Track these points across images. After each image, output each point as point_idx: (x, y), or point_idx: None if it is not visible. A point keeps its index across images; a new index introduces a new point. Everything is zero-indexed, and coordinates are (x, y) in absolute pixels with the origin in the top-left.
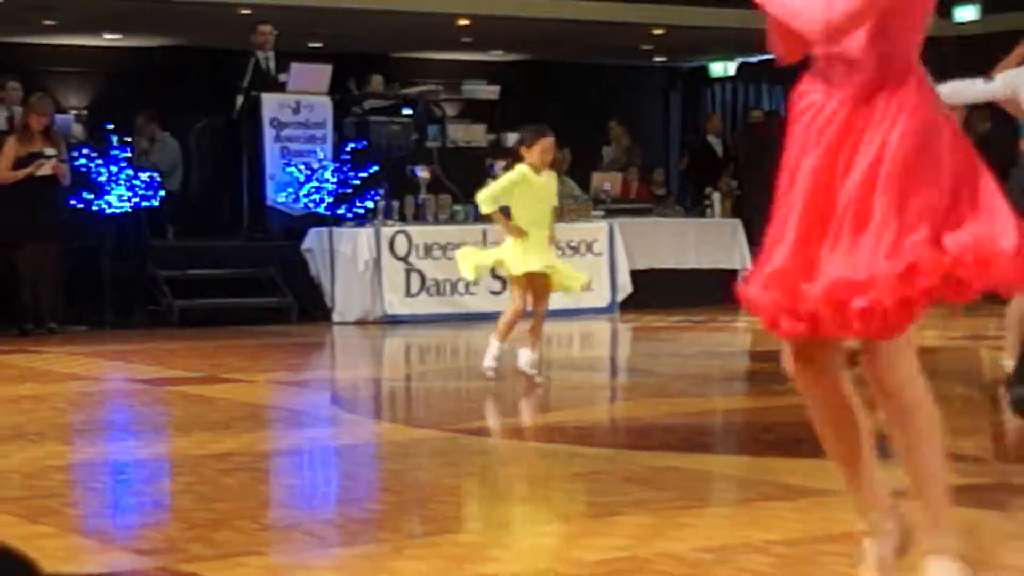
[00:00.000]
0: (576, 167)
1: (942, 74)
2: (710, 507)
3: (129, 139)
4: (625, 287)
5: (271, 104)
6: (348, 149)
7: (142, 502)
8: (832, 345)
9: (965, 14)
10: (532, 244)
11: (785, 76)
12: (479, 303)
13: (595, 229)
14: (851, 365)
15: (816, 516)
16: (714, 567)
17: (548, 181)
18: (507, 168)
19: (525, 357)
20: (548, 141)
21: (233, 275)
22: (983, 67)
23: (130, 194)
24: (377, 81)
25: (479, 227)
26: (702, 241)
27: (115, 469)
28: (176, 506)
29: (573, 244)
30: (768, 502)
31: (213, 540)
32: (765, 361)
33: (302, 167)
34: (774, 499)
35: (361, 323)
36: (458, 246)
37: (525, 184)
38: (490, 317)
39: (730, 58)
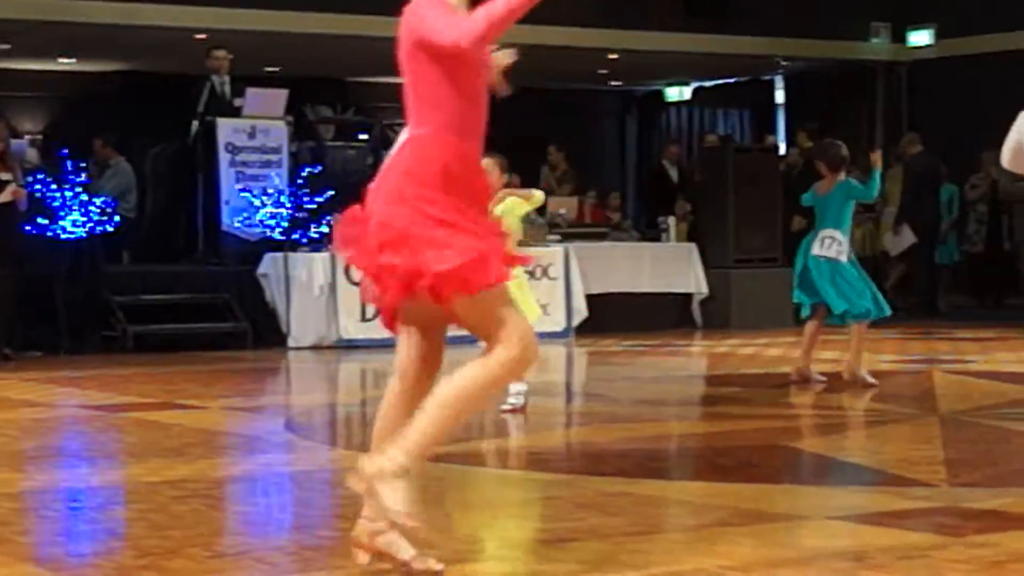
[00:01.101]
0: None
1: (896, 97)
2: (664, 533)
3: (84, 164)
4: (580, 311)
5: (226, 129)
6: (304, 174)
7: (95, 530)
8: None
9: (919, 38)
10: None
11: (741, 100)
12: None
13: (551, 253)
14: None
15: (770, 541)
16: None
17: (502, 211)
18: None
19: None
20: (485, 163)
21: (188, 300)
22: (937, 91)
23: (85, 219)
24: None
25: None
26: (657, 265)
27: (68, 497)
28: (129, 534)
29: (528, 268)
30: (722, 527)
31: (165, 568)
32: (721, 385)
33: (257, 192)
34: (728, 524)
35: (316, 348)
36: None
37: None
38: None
39: (686, 83)
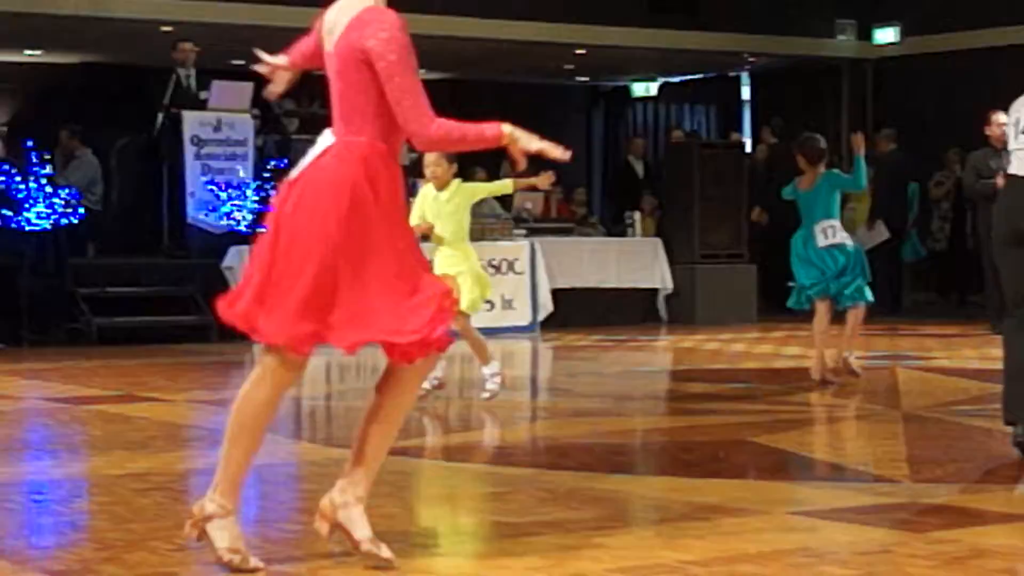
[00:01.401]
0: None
1: (862, 95)
2: (626, 527)
3: (49, 156)
4: (546, 306)
5: (192, 121)
6: (269, 167)
7: (57, 522)
8: None
9: (885, 36)
10: (442, 263)
11: (707, 96)
12: None
13: (516, 248)
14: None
15: (732, 536)
16: None
17: (449, 196)
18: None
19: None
20: (428, 157)
21: (153, 293)
22: (902, 89)
23: (49, 211)
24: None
25: None
26: (623, 260)
27: (31, 489)
28: (91, 527)
29: (495, 263)
30: (685, 522)
31: (127, 561)
32: (685, 381)
33: (223, 185)
34: (691, 519)
35: None
36: None
37: (426, 201)
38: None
39: (652, 78)
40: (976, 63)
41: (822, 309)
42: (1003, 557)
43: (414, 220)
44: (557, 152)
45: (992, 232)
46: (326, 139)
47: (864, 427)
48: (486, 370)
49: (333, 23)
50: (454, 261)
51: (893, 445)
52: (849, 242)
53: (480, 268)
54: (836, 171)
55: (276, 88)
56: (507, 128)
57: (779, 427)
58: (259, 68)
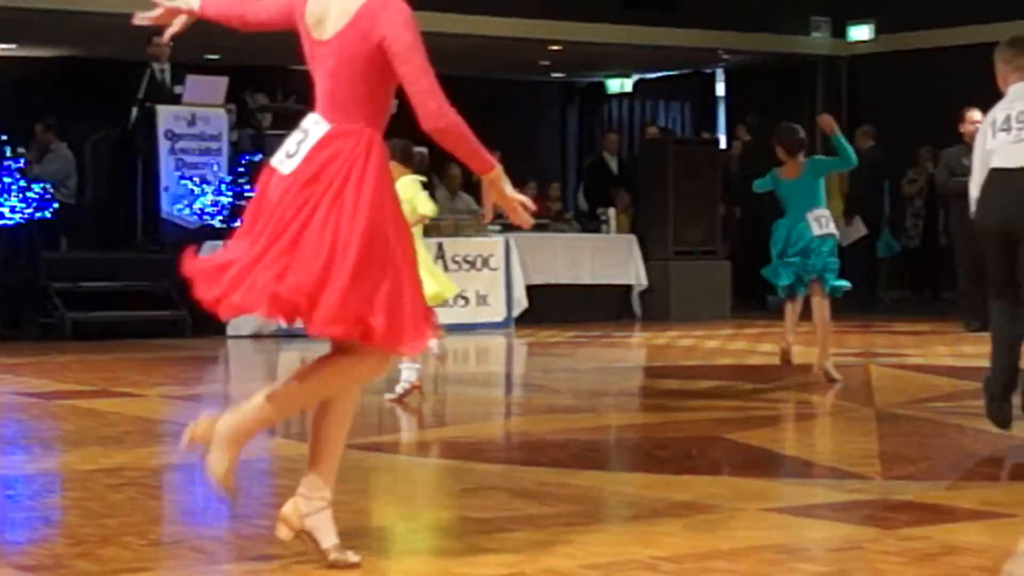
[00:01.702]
0: (471, 182)
1: (837, 92)
2: (599, 523)
3: (23, 150)
4: (521, 302)
5: (166, 116)
6: (244, 162)
7: (29, 518)
8: None
9: (859, 33)
10: None
11: (682, 92)
12: None
13: (491, 244)
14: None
15: (705, 533)
16: None
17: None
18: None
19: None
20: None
21: (127, 288)
22: (876, 86)
23: (23, 205)
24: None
25: None
26: (598, 256)
27: (3, 484)
28: (64, 522)
29: (469, 259)
30: (658, 519)
31: (100, 556)
32: (659, 377)
33: (197, 179)
34: (664, 516)
35: (256, 337)
36: None
37: None
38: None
39: (627, 75)
40: (950, 61)
41: (792, 307)
42: (974, 554)
43: None
44: (524, 216)
45: (976, 225)
46: (316, 125)
47: (837, 424)
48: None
49: (322, 14)
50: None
51: (866, 442)
52: (837, 234)
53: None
54: (820, 156)
55: (171, 29)
56: (498, 168)
57: (752, 424)
58: (147, 15)
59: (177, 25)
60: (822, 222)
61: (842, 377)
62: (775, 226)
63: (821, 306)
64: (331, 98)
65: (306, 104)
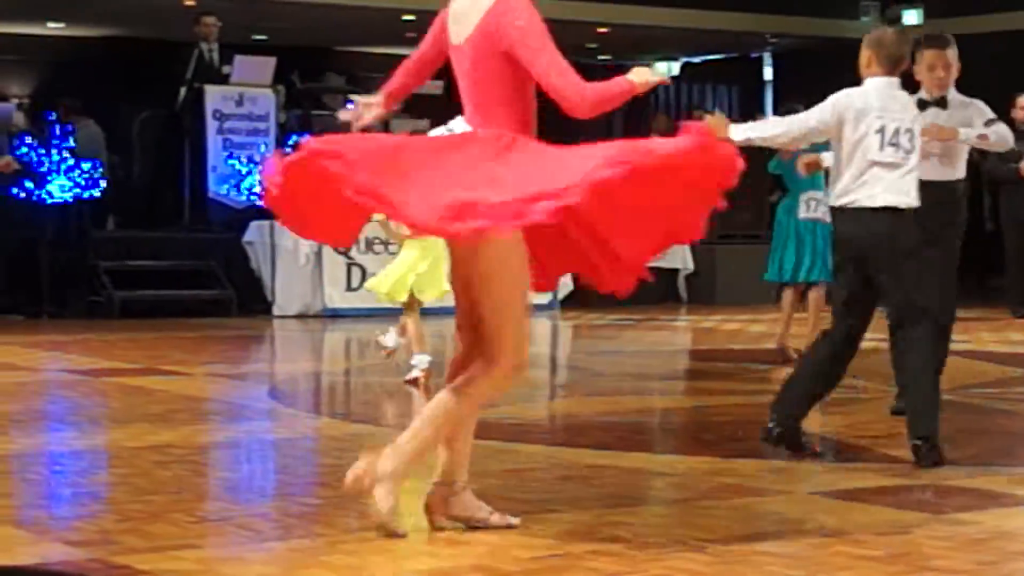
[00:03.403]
0: None
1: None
2: (645, 506)
3: (71, 129)
4: (566, 284)
5: (214, 96)
6: (291, 142)
7: (77, 493)
8: None
9: (908, 18)
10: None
11: (729, 76)
12: None
13: None
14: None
15: (752, 516)
16: (647, 565)
17: None
18: None
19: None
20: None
21: (174, 267)
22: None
23: (71, 184)
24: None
25: None
26: None
27: (51, 460)
28: (111, 498)
29: None
30: (704, 501)
31: (147, 532)
32: (705, 360)
33: (244, 159)
34: (710, 498)
35: (301, 317)
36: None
37: None
38: (428, 312)
39: (675, 58)
40: (999, 46)
41: (791, 295)
42: (1023, 540)
43: None
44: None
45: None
46: (459, 125)
47: (884, 408)
48: (419, 357)
49: (462, 14)
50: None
51: (899, 426)
52: (828, 219)
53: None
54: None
55: (362, 122)
56: (636, 79)
57: None
58: (346, 115)
59: (370, 119)
60: (811, 205)
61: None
62: (777, 209)
63: (816, 292)
64: (470, 101)
65: (352, 84)
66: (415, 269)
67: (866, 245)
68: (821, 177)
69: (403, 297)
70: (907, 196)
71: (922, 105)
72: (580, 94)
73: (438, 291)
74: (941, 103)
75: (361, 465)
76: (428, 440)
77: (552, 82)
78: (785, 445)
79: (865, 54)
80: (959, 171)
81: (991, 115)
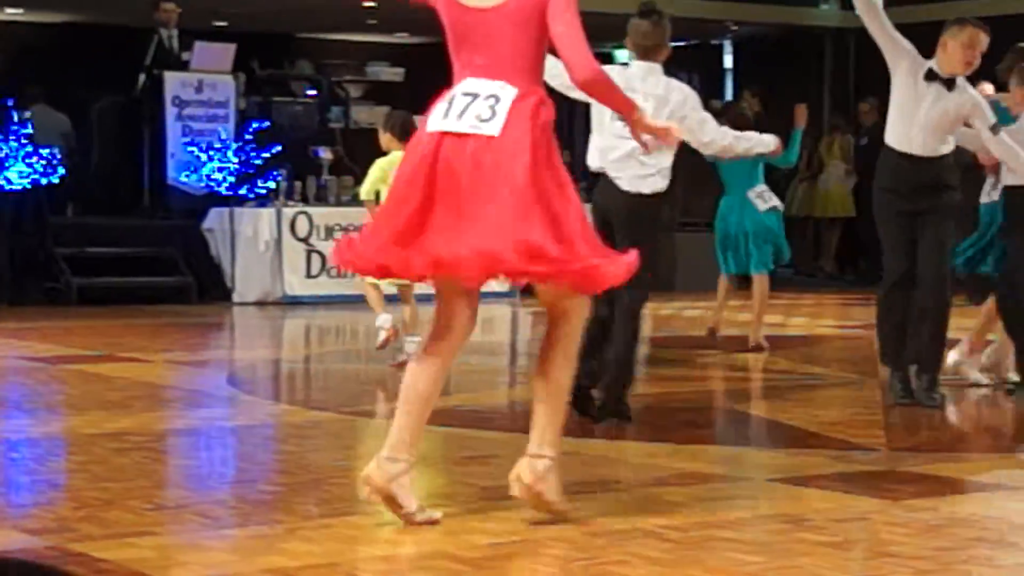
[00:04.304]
0: None
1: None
2: (604, 492)
3: (29, 115)
4: None
5: (173, 82)
6: (251, 129)
7: (34, 481)
8: None
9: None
10: None
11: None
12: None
13: None
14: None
15: (710, 502)
16: (606, 551)
17: None
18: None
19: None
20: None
21: (133, 254)
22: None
23: (29, 170)
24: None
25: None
26: None
27: (7, 447)
28: (68, 485)
29: None
30: (662, 488)
31: (104, 520)
32: (663, 347)
33: (204, 146)
34: (669, 485)
35: (261, 304)
36: (359, 228)
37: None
38: (391, 300)
39: None
40: None
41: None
42: (979, 526)
43: (371, 190)
44: (674, 135)
45: None
46: (503, 89)
47: (842, 395)
48: (410, 339)
49: None
50: None
51: (871, 413)
52: (780, 206)
53: None
54: None
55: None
56: (639, 107)
57: (758, 394)
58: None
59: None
60: (765, 197)
61: (768, 346)
62: (720, 208)
63: (760, 280)
64: (502, 62)
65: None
66: None
67: (611, 215)
68: (761, 173)
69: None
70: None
71: (931, 76)
72: (590, 60)
73: None
74: (950, 83)
75: (526, 475)
76: (561, 408)
77: (575, 40)
78: (578, 409)
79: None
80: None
81: (992, 120)
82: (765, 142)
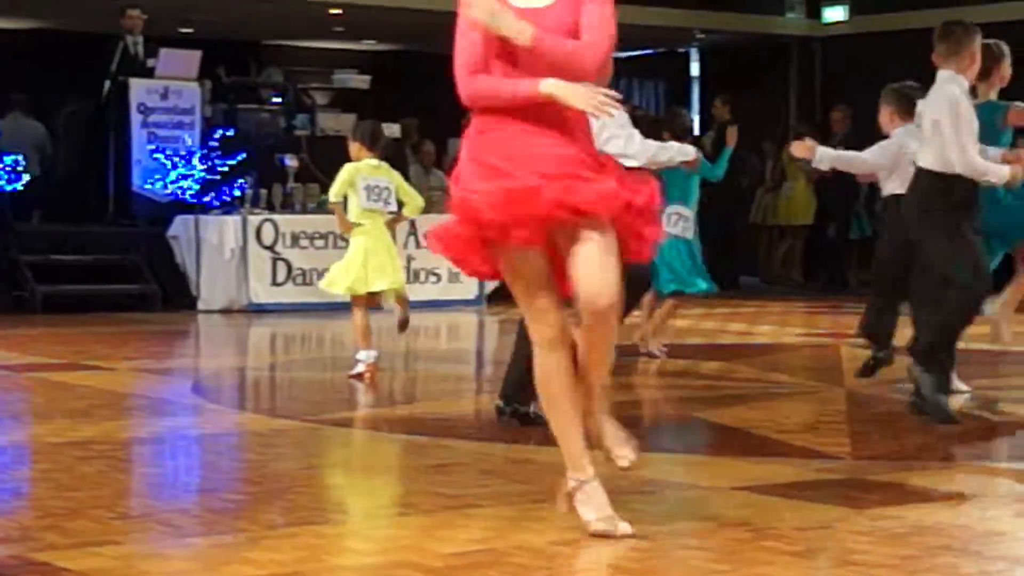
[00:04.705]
0: (446, 159)
1: (811, 73)
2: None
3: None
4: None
5: (139, 89)
6: (216, 136)
7: None
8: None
9: (833, 14)
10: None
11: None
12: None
13: None
14: None
15: (675, 511)
16: (571, 560)
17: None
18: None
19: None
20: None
21: (98, 261)
22: (849, 67)
23: None
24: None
25: None
26: None
27: None
28: (32, 494)
29: None
30: (626, 496)
31: (67, 529)
32: (628, 355)
33: (169, 153)
34: (632, 493)
35: (226, 312)
36: (325, 236)
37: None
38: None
39: None
40: (923, 43)
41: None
42: (944, 534)
43: (339, 192)
44: (605, 112)
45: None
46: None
47: (807, 404)
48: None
49: None
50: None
51: (836, 422)
52: (689, 235)
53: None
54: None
55: None
56: (545, 88)
57: (722, 403)
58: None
59: None
60: (671, 220)
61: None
62: None
63: (670, 304)
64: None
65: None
66: (368, 261)
67: None
68: (695, 189)
69: (364, 291)
70: None
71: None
72: (460, 79)
73: (390, 280)
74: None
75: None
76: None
77: (606, 30)
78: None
79: None
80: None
81: None
82: (685, 151)
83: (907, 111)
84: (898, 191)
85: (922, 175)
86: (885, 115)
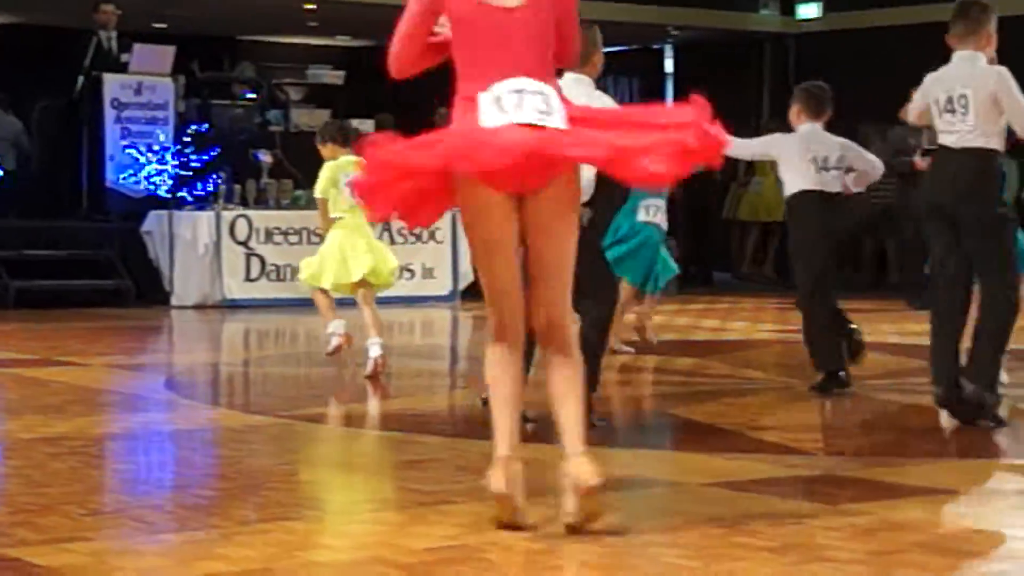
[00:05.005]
0: None
1: (784, 69)
2: (541, 496)
3: None
4: (467, 275)
5: (113, 85)
6: (190, 131)
7: None
8: None
9: (807, 11)
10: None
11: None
12: None
13: None
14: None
15: (645, 507)
16: (542, 556)
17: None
18: None
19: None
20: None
21: (71, 256)
22: (823, 64)
23: None
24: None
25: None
26: None
27: None
28: (3, 490)
29: (416, 231)
30: (600, 492)
31: (39, 525)
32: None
33: (143, 149)
34: (606, 490)
35: (200, 307)
36: (299, 231)
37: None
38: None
39: None
40: (897, 40)
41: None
42: (915, 530)
43: (325, 189)
44: None
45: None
46: (544, 85)
47: (780, 400)
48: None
49: None
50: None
51: (808, 418)
52: (665, 226)
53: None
54: None
55: None
56: None
57: (695, 399)
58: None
59: None
60: (650, 211)
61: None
62: (617, 216)
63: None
64: (531, 60)
65: (253, 73)
66: (346, 254)
67: None
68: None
69: (348, 280)
70: None
71: None
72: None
73: (371, 263)
74: None
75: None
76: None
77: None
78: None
79: None
80: None
81: None
82: None
83: (814, 110)
84: (804, 187)
85: (973, 156)
86: (793, 112)
